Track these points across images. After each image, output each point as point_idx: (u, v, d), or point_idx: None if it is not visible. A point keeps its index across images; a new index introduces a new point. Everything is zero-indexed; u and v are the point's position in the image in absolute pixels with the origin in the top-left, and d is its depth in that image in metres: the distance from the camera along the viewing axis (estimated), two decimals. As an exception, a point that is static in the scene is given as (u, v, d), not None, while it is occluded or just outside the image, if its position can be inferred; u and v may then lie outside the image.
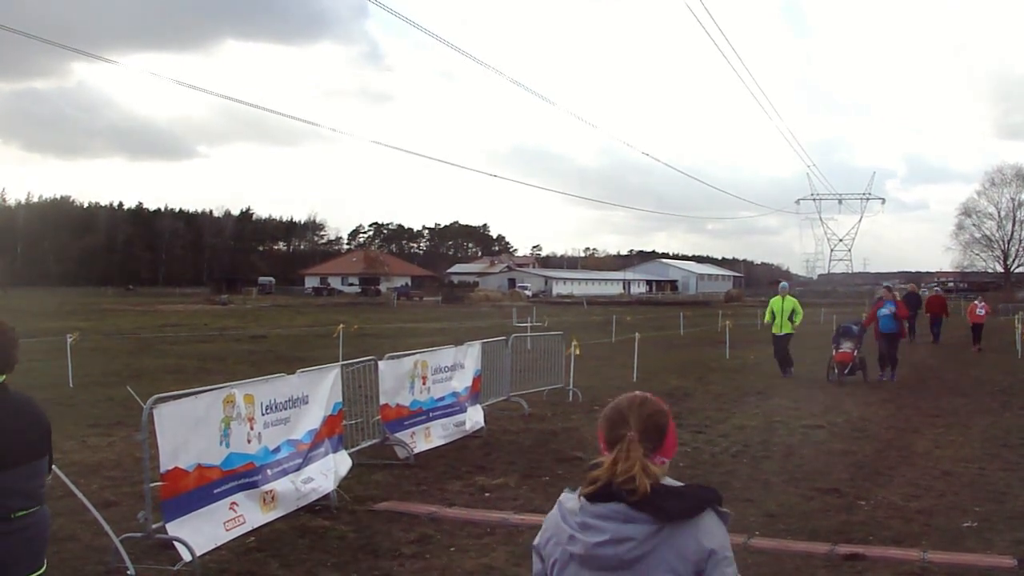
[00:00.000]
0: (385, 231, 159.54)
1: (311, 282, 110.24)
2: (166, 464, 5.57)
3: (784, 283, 18.52)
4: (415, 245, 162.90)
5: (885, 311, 16.60)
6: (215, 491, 5.99)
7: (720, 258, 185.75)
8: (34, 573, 3.44)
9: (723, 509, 2.22)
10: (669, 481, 2.24)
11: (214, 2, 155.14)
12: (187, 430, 5.78)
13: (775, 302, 17.17)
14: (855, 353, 15.97)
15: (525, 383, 13.22)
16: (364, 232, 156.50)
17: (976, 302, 27.32)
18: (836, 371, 15.96)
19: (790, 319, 16.91)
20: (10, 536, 3.35)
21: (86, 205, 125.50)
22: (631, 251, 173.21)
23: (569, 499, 2.26)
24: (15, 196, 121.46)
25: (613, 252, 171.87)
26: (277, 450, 6.77)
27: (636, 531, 2.13)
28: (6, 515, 3.32)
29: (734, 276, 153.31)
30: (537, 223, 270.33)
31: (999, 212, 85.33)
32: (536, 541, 2.32)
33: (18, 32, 15.39)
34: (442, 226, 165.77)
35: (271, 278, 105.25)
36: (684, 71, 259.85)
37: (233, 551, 5.99)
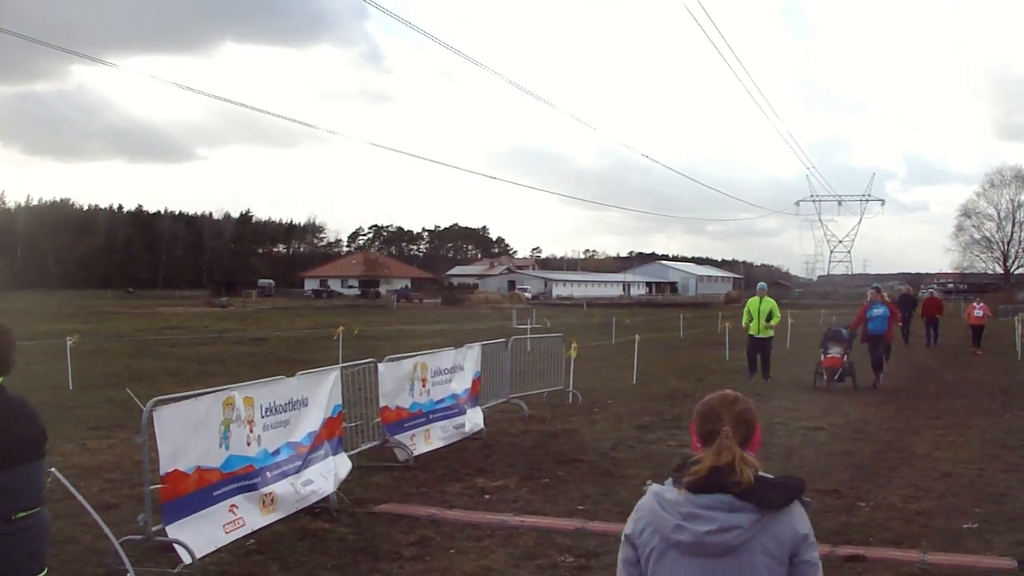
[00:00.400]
0: (385, 233, 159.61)
1: (311, 284, 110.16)
2: (166, 466, 5.57)
3: (763, 284, 17.88)
4: (415, 247, 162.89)
5: (876, 312, 15.79)
6: (215, 493, 5.99)
7: (720, 260, 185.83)
8: None
9: (806, 499, 2.42)
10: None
11: (213, 4, 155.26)
12: (187, 432, 5.78)
13: (752, 303, 16.71)
14: (845, 358, 15.20)
15: (525, 385, 13.22)
16: (364, 234, 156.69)
17: (974, 303, 26.29)
18: (825, 377, 15.18)
19: (767, 321, 16.37)
20: (11, 538, 3.35)
21: (86, 207, 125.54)
22: (631, 253, 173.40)
23: (667, 491, 2.40)
24: (15, 198, 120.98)
25: (612, 254, 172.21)
26: (276, 452, 6.77)
27: (742, 519, 2.30)
28: (7, 516, 3.33)
29: (734, 278, 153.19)
30: (536, 225, 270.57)
31: (999, 213, 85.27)
32: (628, 530, 2.44)
33: (18, 35, 15.39)
34: (442, 228, 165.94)
35: (271, 280, 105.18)
36: (683, 72, 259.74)
37: (233, 553, 5.99)
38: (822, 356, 15.49)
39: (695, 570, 2.32)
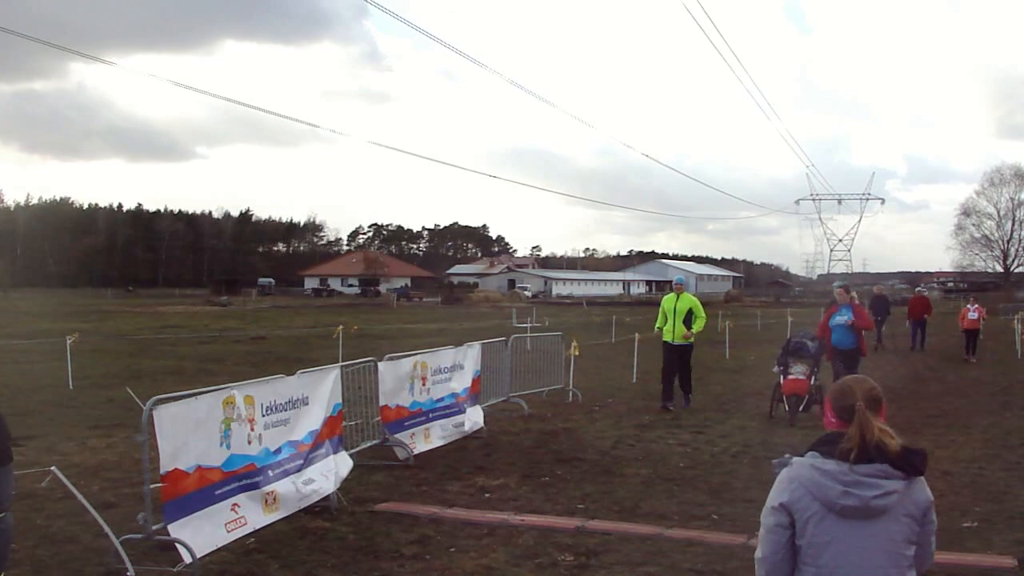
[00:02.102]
0: (385, 232, 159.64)
1: (311, 283, 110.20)
2: (166, 465, 5.57)
3: (680, 277, 14.81)
4: (415, 246, 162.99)
5: (840, 320, 11.82)
6: (216, 492, 5.99)
7: (720, 258, 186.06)
8: None
9: None
10: None
11: (213, 2, 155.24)
12: (187, 431, 5.78)
13: (667, 301, 12.97)
14: (811, 379, 11.65)
15: (525, 384, 13.22)
16: (364, 233, 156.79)
17: (968, 305, 22.76)
18: (786, 407, 11.50)
19: (686, 323, 12.67)
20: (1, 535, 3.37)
21: (86, 206, 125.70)
22: (631, 251, 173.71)
23: (824, 463, 2.68)
24: (15, 197, 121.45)
25: (613, 253, 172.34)
26: (278, 451, 6.77)
27: (896, 485, 2.65)
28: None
29: (734, 276, 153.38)
30: (536, 224, 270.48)
31: (998, 212, 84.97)
32: (784, 500, 2.70)
33: (17, 34, 15.38)
34: (442, 227, 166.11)
35: (271, 279, 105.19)
36: (684, 72, 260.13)
37: (233, 552, 5.99)
38: (780, 378, 11.83)
39: (853, 531, 2.64)
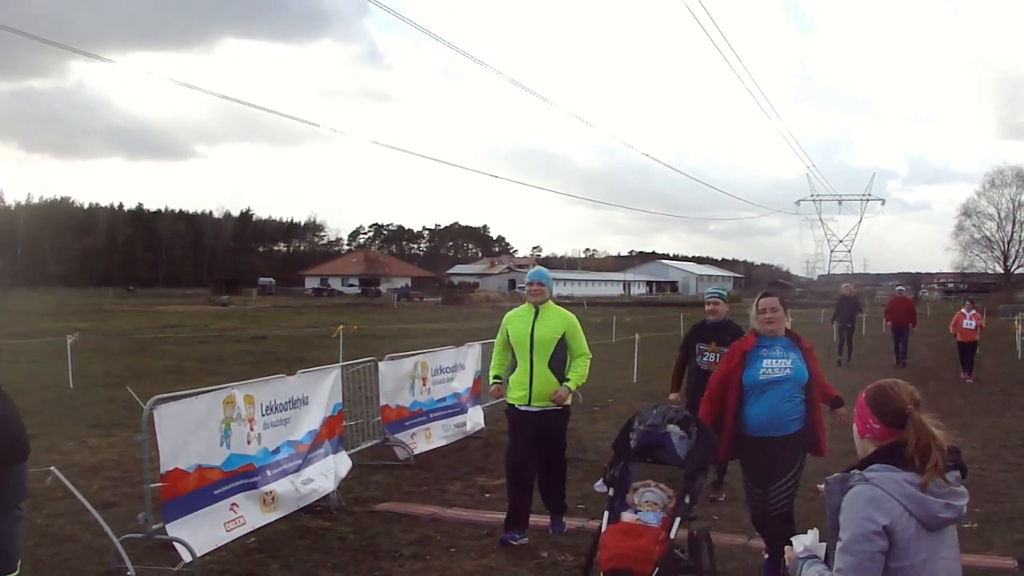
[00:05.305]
0: (385, 232, 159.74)
1: (311, 283, 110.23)
2: (166, 465, 5.57)
3: (541, 272, 6.63)
4: (415, 246, 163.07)
5: (775, 371, 5.37)
6: (215, 492, 6.00)
7: (720, 259, 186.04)
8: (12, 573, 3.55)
9: None
10: None
11: (213, 0, 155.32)
12: (187, 431, 5.78)
13: (516, 321, 6.50)
14: (672, 525, 4.75)
15: (525, 384, 13.18)
16: (364, 233, 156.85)
17: (963, 310, 18.04)
18: None
19: (555, 366, 6.38)
20: (20, 523, 3.45)
21: (86, 206, 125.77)
22: (631, 252, 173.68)
23: (916, 477, 2.50)
24: (15, 197, 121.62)
25: (613, 253, 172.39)
26: (277, 451, 6.77)
27: (963, 488, 2.60)
28: (18, 503, 3.42)
29: (734, 277, 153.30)
30: (537, 224, 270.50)
31: (999, 213, 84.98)
32: (886, 522, 2.47)
33: (16, 32, 15.38)
34: (442, 227, 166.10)
35: (271, 279, 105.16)
36: (684, 71, 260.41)
37: (233, 552, 6.00)
38: (605, 518, 4.94)
39: (940, 539, 2.54)
